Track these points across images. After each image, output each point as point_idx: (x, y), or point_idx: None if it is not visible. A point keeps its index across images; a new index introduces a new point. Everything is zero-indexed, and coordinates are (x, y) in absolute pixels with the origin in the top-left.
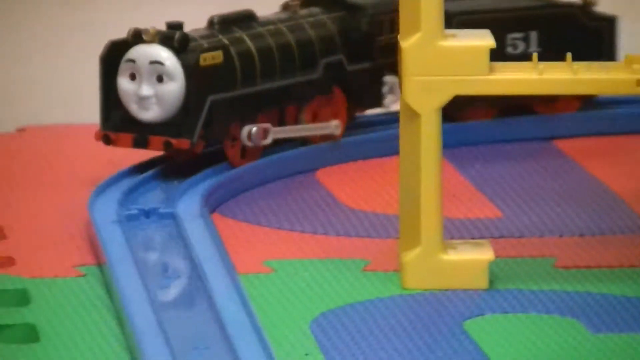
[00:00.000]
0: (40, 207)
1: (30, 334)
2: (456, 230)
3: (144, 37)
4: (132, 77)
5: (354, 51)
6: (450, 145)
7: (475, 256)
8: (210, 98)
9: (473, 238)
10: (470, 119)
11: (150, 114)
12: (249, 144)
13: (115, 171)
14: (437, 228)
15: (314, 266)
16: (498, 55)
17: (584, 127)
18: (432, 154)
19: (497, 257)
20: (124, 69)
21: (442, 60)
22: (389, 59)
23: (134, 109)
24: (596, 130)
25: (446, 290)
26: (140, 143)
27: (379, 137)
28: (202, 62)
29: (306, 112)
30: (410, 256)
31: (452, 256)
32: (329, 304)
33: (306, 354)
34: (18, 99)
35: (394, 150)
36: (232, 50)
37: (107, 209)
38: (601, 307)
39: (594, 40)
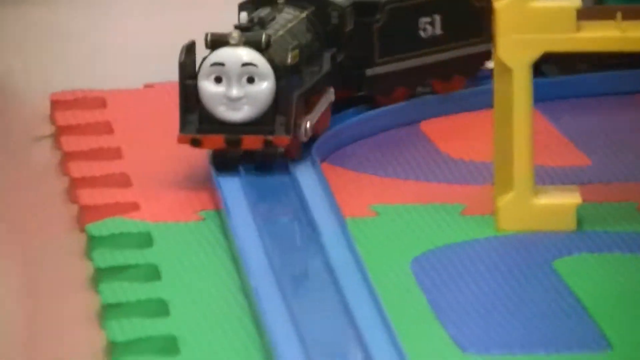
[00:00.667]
0: (166, 157)
1: (153, 273)
2: (547, 177)
3: (231, 41)
4: (218, 80)
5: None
6: (544, 98)
7: (564, 200)
8: (295, 94)
9: (563, 184)
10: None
11: (241, 114)
12: (304, 139)
13: None
14: (528, 174)
15: (415, 210)
16: (413, 38)
17: None
18: (524, 105)
19: (584, 201)
20: (208, 73)
21: (532, 19)
22: None
23: (221, 110)
24: None
25: (537, 231)
26: (233, 143)
27: (480, 91)
28: (289, 62)
29: None
30: (504, 200)
31: (542, 200)
32: (428, 245)
33: (407, 291)
34: (145, 56)
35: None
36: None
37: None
38: None
39: (478, 18)
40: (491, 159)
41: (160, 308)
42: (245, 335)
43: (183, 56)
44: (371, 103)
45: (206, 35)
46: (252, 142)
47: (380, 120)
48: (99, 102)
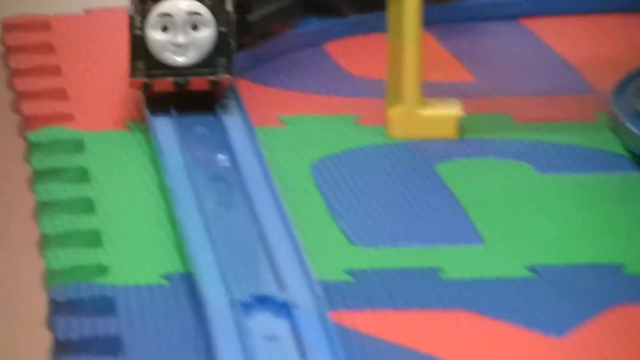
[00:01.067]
0: (102, 75)
1: (83, 175)
2: (433, 91)
3: None
4: (164, 28)
5: None
6: (436, 22)
7: (447, 111)
8: (232, 40)
9: (447, 97)
10: None
11: (187, 58)
12: None
13: None
14: (416, 89)
15: (317, 120)
16: None
17: (549, 6)
18: (413, 27)
19: (466, 113)
20: (155, 22)
21: None
22: None
23: (168, 56)
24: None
25: (423, 139)
26: (182, 85)
27: (380, 15)
28: (227, 8)
29: None
30: (394, 112)
31: (428, 112)
32: (327, 151)
33: (306, 191)
34: None
35: None
36: None
37: None
38: (548, 152)
39: None
40: (385, 76)
41: (87, 206)
42: (163, 231)
43: (132, 9)
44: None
45: None
46: (199, 83)
47: (288, 42)
48: (43, 25)
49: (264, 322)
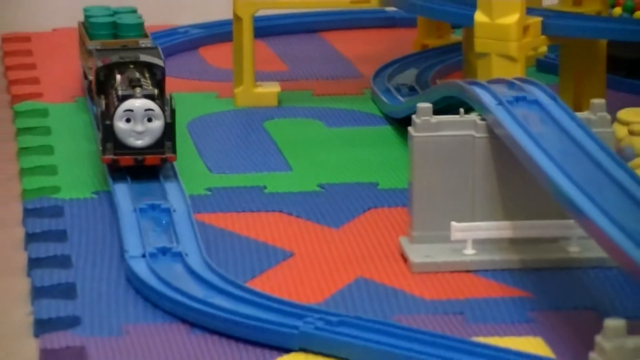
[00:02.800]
0: (62, 70)
1: (47, 131)
2: (263, 77)
3: (136, 95)
4: (128, 120)
5: None
6: (264, 34)
7: (270, 89)
8: (174, 128)
9: (272, 81)
10: None
11: (144, 142)
12: None
13: None
14: (251, 75)
15: (191, 96)
16: None
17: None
18: (248, 37)
19: (282, 90)
20: (121, 116)
21: None
22: None
23: (130, 140)
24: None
25: (256, 107)
26: (140, 161)
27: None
28: (172, 107)
29: None
30: (238, 90)
31: (259, 89)
32: (196, 114)
33: (184, 142)
34: None
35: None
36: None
37: None
38: (333, 114)
39: None
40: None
41: (48, 151)
42: (93, 164)
43: (102, 107)
44: None
45: (115, 91)
46: (152, 160)
47: (171, 50)
48: (25, 39)
49: (154, 220)
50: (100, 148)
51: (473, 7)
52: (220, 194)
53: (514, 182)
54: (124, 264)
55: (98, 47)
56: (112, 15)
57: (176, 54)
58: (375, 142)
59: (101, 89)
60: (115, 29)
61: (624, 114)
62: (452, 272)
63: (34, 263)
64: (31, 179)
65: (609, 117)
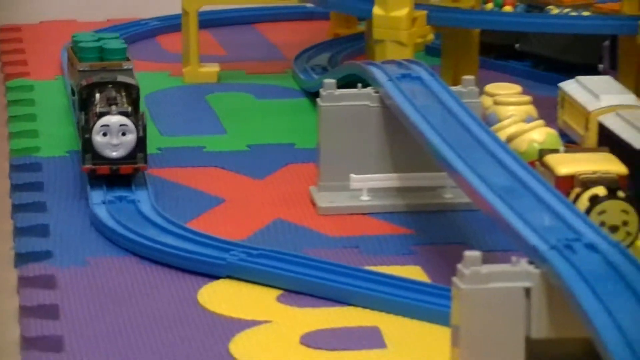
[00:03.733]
0: (45, 54)
1: (31, 102)
2: (205, 60)
3: (112, 112)
4: (104, 134)
5: None
6: (209, 25)
7: (213, 69)
8: (146, 141)
9: (213, 62)
10: None
11: (119, 153)
12: None
13: None
14: (197, 58)
15: (152, 75)
16: None
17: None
18: (194, 27)
19: (221, 70)
20: (99, 130)
21: None
22: None
23: (107, 152)
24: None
25: (201, 83)
26: (115, 170)
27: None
28: (144, 122)
29: None
30: (186, 70)
31: (203, 69)
32: (153, 89)
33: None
34: None
35: None
36: None
37: None
38: (262, 89)
39: None
40: None
41: (31, 117)
42: (68, 128)
43: (83, 121)
44: None
45: (94, 108)
46: (126, 169)
47: (132, 38)
48: (16, 29)
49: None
50: (81, 158)
51: (372, 2)
52: (168, 153)
53: (401, 142)
54: (89, 210)
55: (85, 69)
56: (97, 40)
57: (138, 41)
58: (294, 111)
59: (83, 105)
60: (101, 53)
61: (490, 87)
62: (350, 214)
63: (17, 208)
64: (17, 141)
65: (477, 90)
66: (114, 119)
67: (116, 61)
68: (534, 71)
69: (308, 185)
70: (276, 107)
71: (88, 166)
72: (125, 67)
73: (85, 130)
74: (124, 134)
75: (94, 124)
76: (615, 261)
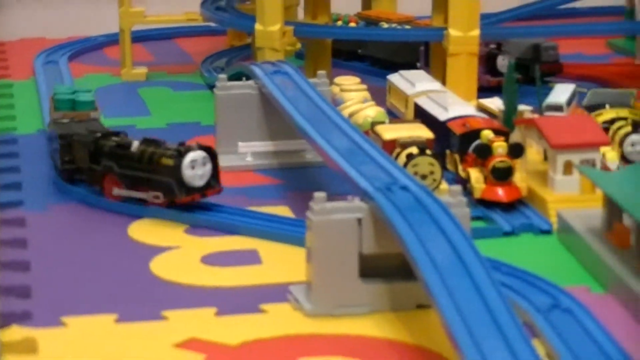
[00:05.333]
0: (22, 59)
1: (9, 92)
2: (138, 64)
3: (195, 149)
4: (192, 167)
5: None
6: (141, 40)
7: (142, 71)
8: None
9: (143, 66)
10: None
11: (203, 181)
12: None
13: None
14: (131, 63)
15: (96, 76)
16: None
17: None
18: (128, 42)
19: (149, 71)
20: (188, 165)
21: None
22: None
23: (196, 181)
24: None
25: (134, 80)
26: (203, 196)
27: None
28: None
29: None
30: (124, 71)
31: (136, 71)
32: (99, 85)
33: None
34: None
35: None
36: None
37: None
38: (178, 83)
39: None
40: None
41: (9, 108)
42: (37, 112)
43: (174, 160)
44: None
45: (179, 149)
46: (212, 193)
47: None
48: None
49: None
50: (175, 191)
51: (255, 20)
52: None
53: (274, 119)
54: (53, 172)
55: (58, 117)
56: (72, 93)
57: (89, 52)
58: (200, 99)
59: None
60: (73, 104)
61: (338, 79)
62: (239, 171)
63: None
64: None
65: (328, 81)
66: (199, 154)
67: (85, 111)
68: (371, 69)
69: None
70: (187, 97)
71: (183, 198)
72: (93, 117)
73: (174, 167)
74: (205, 164)
75: (183, 159)
76: (422, 198)
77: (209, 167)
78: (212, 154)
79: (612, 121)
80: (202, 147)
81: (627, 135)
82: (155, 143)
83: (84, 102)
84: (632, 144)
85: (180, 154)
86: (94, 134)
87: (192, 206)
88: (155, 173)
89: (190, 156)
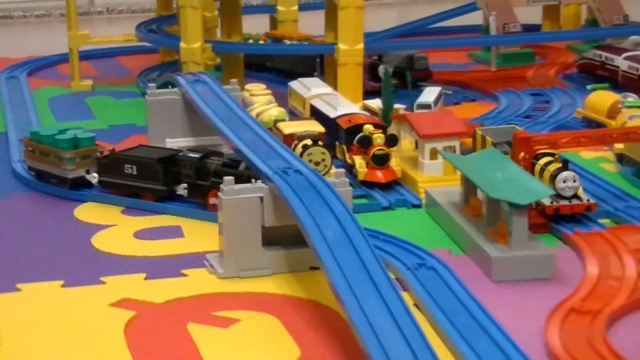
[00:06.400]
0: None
1: None
2: (85, 77)
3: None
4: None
5: None
6: (87, 58)
7: (89, 83)
8: None
9: (89, 79)
10: None
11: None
12: None
13: None
14: (79, 76)
15: (51, 88)
16: None
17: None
18: (77, 59)
19: (94, 83)
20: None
21: None
22: None
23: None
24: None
25: (82, 91)
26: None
27: None
28: None
29: None
30: (73, 83)
31: (83, 83)
32: (53, 95)
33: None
34: None
35: None
36: None
37: None
38: (119, 92)
39: None
40: None
41: None
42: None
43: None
44: None
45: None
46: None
47: None
48: None
49: None
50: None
51: (180, 39)
52: None
53: (196, 118)
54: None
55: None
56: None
57: (45, 69)
58: (136, 105)
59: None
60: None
61: (248, 86)
62: None
63: None
64: None
65: (239, 87)
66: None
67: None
68: (277, 78)
69: None
70: (126, 104)
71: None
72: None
73: (244, 171)
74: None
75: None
76: (313, 180)
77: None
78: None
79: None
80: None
81: (558, 171)
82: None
83: (86, 139)
84: (564, 181)
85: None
86: (198, 154)
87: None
88: None
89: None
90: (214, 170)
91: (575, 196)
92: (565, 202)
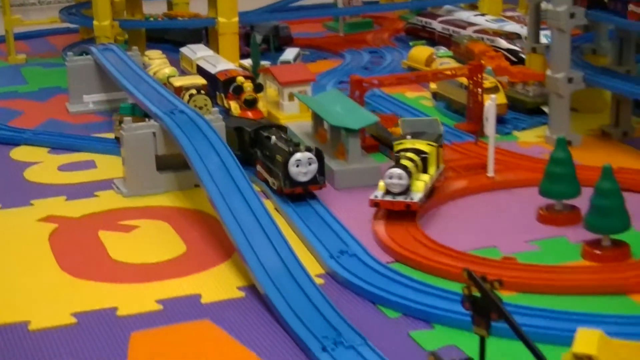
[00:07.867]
0: None
1: None
2: (19, 52)
3: (301, 149)
4: (297, 165)
5: None
6: (24, 38)
7: (22, 57)
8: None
9: (23, 54)
10: None
11: (307, 177)
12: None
13: None
14: (14, 52)
15: None
16: None
17: None
18: (12, 40)
19: (27, 57)
20: (294, 163)
21: None
22: None
23: (300, 177)
24: None
25: (17, 64)
26: (305, 189)
27: None
28: (321, 155)
29: None
30: (10, 57)
31: (18, 57)
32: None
33: None
34: None
35: None
36: None
37: None
38: (49, 63)
39: None
40: None
41: None
42: None
43: (282, 160)
44: None
45: (289, 149)
46: (315, 188)
47: None
48: None
49: None
50: (284, 183)
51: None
52: None
53: (106, 78)
54: None
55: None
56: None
57: None
58: (61, 73)
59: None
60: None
61: (147, 52)
62: (85, 114)
63: None
64: None
65: (139, 53)
66: (305, 155)
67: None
68: (173, 48)
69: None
70: (53, 72)
71: (288, 189)
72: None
73: (283, 164)
74: (310, 164)
75: (288, 160)
76: (194, 118)
77: (314, 166)
78: (319, 155)
79: (406, 150)
80: (309, 149)
81: (390, 167)
82: (285, 141)
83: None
84: (390, 177)
85: (290, 153)
86: (255, 125)
87: (67, 137)
88: (275, 165)
89: (296, 156)
90: (259, 142)
91: (404, 193)
92: (389, 198)
